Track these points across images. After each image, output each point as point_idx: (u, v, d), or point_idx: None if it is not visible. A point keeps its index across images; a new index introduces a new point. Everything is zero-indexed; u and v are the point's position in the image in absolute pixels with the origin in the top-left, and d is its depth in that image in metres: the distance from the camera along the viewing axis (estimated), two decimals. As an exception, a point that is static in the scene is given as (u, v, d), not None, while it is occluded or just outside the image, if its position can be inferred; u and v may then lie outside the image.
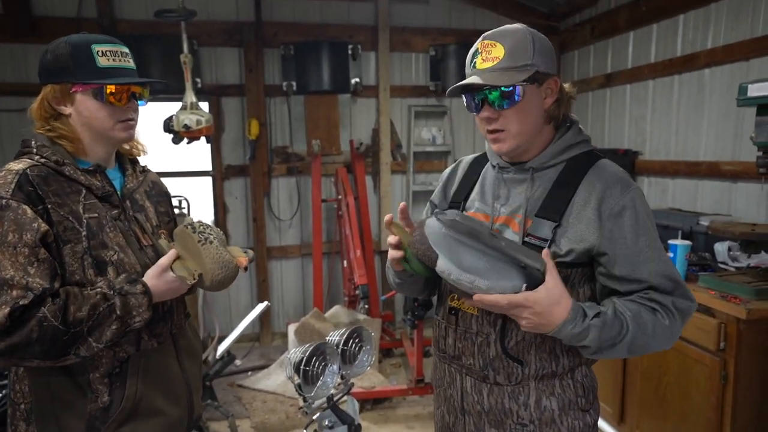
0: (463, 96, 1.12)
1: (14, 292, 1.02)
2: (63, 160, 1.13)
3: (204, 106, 3.96)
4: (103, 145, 1.21)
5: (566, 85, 1.15)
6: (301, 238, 4.31)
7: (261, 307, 3.01)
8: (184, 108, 3.13)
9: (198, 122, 3.03)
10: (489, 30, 1.09)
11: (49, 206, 1.08)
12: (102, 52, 1.14)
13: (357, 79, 4.13)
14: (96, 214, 1.14)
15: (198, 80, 3.81)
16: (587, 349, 1.03)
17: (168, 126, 3.11)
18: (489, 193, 1.19)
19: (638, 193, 1.07)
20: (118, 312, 1.08)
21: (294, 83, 4.01)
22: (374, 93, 4.23)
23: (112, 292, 1.09)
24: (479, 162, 1.28)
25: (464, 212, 1.21)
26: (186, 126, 3.03)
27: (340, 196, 3.96)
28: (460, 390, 1.18)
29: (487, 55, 1.05)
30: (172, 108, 3.29)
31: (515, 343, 1.10)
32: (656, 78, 3.26)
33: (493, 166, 1.20)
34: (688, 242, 2.24)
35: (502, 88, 1.04)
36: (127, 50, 1.20)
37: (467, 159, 1.33)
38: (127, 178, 1.29)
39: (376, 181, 4.36)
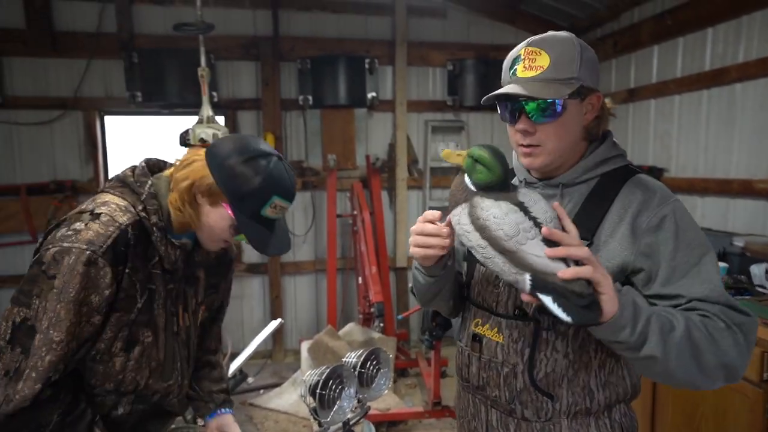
0: (498, 104, 1.04)
1: (48, 359, 0.96)
2: (159, 224, 1.08)
3: (220, 120, 3.95)
4: (193, 235, 1.17)
5: (606, 100, 1.07)
6: (315, 254, 4.24)
7: (274, 324, 2.93)
8: (200, 122, 3.11)
9: (214, 136, 2.99)
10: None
11: (128, 270, 1.04)
12: (275, 205, 1.10)
13: (373, 94, 4.09)
14: (154, 286, 1.10)
15: (214, 94, 3.81)
16: (650, 339, 0.84)
17: (184, 140, 3.08)
18: None
19: (679, 205, 0.98)
20: None
21: (310, 97, 3.99)
22: (391, 107, 4.19)
23: None
24: None
25: None
26: (202, 140, 3.00)
27: (355, 212, 3.90)
28: (485, 423, 1.09)
29: (531, 63, 0.97)
30: (188, 122, 3.27)
31: (545, 375, 1.01)
32: (683, 93, 3.16)
33: (520, 182, 1.13)
34: (723, 264, 2.12)
35: (540, 107, 0.96)
36: (291, 204, 1.15)
37: None
38: (199, 249, 1.21)
39: (392, 196, 4.29)
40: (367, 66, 4.05)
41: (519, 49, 1.00)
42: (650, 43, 3.42)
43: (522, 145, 1.02)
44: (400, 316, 3.63)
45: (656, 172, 3.34)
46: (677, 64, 3.21)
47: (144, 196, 1.07)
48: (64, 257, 0.97)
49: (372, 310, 3.36)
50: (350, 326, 3.73)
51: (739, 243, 2.41)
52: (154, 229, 1.07)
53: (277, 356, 4.15)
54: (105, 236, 1.00)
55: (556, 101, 0.95)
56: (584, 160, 1.04)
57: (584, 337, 1.00)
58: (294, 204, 4.00)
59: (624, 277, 0.98)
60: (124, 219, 1.03)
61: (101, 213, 1.02)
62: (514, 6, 4.15)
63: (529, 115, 0.98)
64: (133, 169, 1.13)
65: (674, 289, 0.93)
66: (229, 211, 1.09)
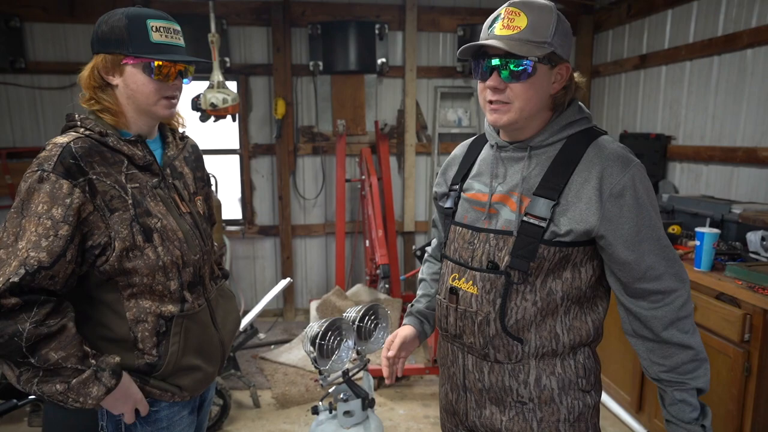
0: (473, 63, 1.09)
1: (14, 264, 1.02)
2: (106, 131, 1.16)
3: (233, 85, 4.02)
4: (146, 119, 1.23)
5: (575, 74, 1.13)
6: (325, 217, 4.36)
7: (283, 283, 3.08)
8: (211, 87, 3.19)
9: (224, 101, 3.08)
10: None
11: (93, 177, 1.10)
12: (156, 27, 1.16)
13: (383, 60, 4.10)
14: (137, 184, 1.17)
15: (227, 59, 3.86)
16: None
17: (195, 104, 3.18)
18: (486, 173, 1.17)
19: (639, 171, 1.05)
20: (73, 381, 1.08)
21: (321, 63, 4.02)
22: (400, 73, 4.20)
23: (93, 361, 1.10)
24: (478, 143, 1.26)
25: (463, 194, 1.21)
26: (212, 105, 3.09)
27: (363, 177, 3.98)
28: (462, 368, 1.19)
29: (509, 23, 1.02)
30: (200, 87, 3.35)
31: (515, 322, 1.09)
32: (694, 59, 3.12)
33: (492, 146, 1.18)
34: (716, 230, 2.16)
35: (512, 65, 1.02)
36: (178, 28, 1.22)
37: (465, 142, 1.31)
38: (167, 146, 1.31)
39: (400, 162, 4.36)
40: (377, 31, 4.04)
41: (500, 9, 1.05)
42: (665, 7, 3.35)
43: (490, 102, 1.07)
44: (403, 277, 3.76)
45: (664, 140, 3.33)
46: (690, 29, 3.16)
47: (78, 122, 1.16)
48: (20, 185, 1.09)
49: (378, 271, 3.49)
50: (358, 287, 3.87)
51: (737, 210, 2.44)
52: (107, 132, 1.15)
53: (288, 315, 4.34)
54: (50, 157, 1.08)
55: (527, 61, 1.01)
56: (551, 123, 1.10)
57: (551, 287, 1.09)
58: (304, 168, 4.08)
59: (589, 238, 1.05)
60: (64, 140, 1.12)
61: (45, 147, 1.13)
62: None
63: (501, 73, 1.03)
64: None
65: (635, 255, 1.04)
66: (132, 61, 1.15)
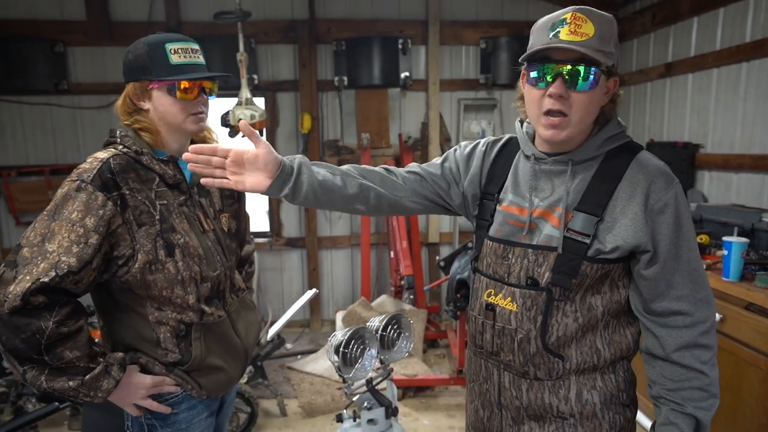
0: (529, 66, 1.03)
1: (42, 266, 1.08)
2: (142, 150, 1.23)
3: (261, 101, 4.15)
4: (178, 136, 1.30)
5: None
6: (350, 229, 4.42)
7: (309, 293, 3.14)
8: (239, 103, 3.31)
9: (252, 117, 3.19)
10: None
11: (126, 192, 1.18)
12: (174, 50, 1.23)
13: (407, 73, 4.17)
14: (165, 201, 1.24)
15: (255, 77, 4.00)
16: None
17: (225, 120, 3.30)
18: (524, 185, 1.13)
19: (679, 189, 1.04)
20: (86, 377, 1.14)
21: (345, 78, 4.12)
22: (424, 87, 4.26)
23: (101, 359, 1.17)
24: (509, 150, 1.21)
25: (498, 206, 1.17)
26: (240, 121, 3.20)
27: (388, 189, 4.02)
28: (498, 385, 1.15)
29: (577, 29, 0.97)
30: (229, 104, 3.49)
31: (556, 339, 1.07)
32: (721, 66, 3.07)
33: (527, 157, 1.13)
34: (744, 239, 2.12)
35: (582, 72, 0.97)
36: (197, 47, 1.29)
37: (492, 144, 1.25)
38: None
39: (424, 174, 4.38)
40: (400, 46, 4.13)
41: (562, 13, 0.99)
42: (690, 15, 3.31)
43: (548, 115, 1.01)
44: (426, 287, 3.78)
45: (691, 149, 3.28)
46: (717, 36, 3.12)
47: (118, 139, 1.24)
48: (58, 191, 1.16)
49: (403, 282, 3.52)
50: (383, 298, 3.91)
51: (767, 219, 2.39)
52: (142, 151, 1.22)
53: (315, 325, 4.40)
54: (90, 169, 1.16)
55: (596, 69, 0.97)
56: (594, 138, 1.06)
57: (591, 303, 1.07)
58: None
59: (633, 252, 1.04)
60: (104, 156, 1.20)
61: (86, 161, 1.21)
62: (549, -20, 4.09)
63: (566, 80, 0.98)
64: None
65: (660, 271, 1.03)
66: (156, 85, 1.23)
